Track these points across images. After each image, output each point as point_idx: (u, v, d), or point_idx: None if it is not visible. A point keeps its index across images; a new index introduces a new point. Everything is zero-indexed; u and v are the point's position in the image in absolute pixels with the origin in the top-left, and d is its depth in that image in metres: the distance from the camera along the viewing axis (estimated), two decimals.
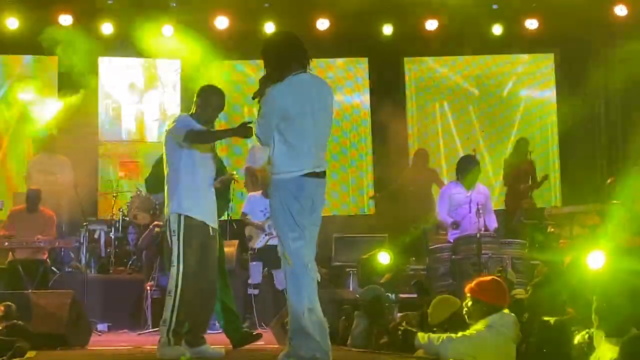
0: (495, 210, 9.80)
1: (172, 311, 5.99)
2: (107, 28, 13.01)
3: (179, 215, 6.04)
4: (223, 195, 7.18)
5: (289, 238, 5.38)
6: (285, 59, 5.49)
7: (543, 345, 5.16)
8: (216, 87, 6.48)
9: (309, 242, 5.46)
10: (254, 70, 13.67)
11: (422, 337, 5.77)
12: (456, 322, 5.95)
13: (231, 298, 7.27)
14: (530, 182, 12.32)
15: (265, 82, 5.50)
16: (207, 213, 6.15)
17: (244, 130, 5.95)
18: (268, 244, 10.54)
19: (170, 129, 6.18)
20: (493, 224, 9.30)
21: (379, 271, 9.54)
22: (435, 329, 6.09)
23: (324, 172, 5.54)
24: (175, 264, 6.00)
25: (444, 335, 5.68)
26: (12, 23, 12.66)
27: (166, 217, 6.19)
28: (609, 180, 11.43)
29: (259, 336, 7.26)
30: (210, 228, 6.16)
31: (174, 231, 6.03)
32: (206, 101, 6.25)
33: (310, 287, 5.37)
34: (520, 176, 12.19)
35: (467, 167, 9.43)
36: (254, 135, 5.62)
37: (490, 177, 13.64)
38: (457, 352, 5.49)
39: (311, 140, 5.46)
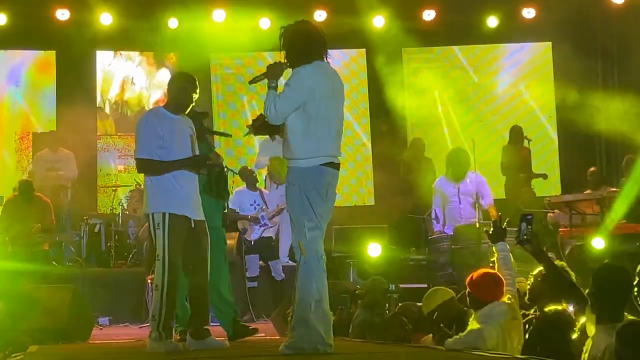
0: (495, 200, 9.83)
1: (161, 305, 5.94)
2: (105, 20, 12.96)
3: (163, 213, 5.99)
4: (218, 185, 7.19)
5: (305, 227, 5.32)
6: (307, 47, 5.47)
7: (544, 334, 5.13)
8: (185, 73, 6.54)
9: (324, 234, 5.44)
10: (252, 63, 13.69)
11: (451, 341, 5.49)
12: (445, 312, 5.93)
13: (229, 289, 7.27)
14: (529, 170, 12.31)
15: (274, 68, 5.46)
16: (188, 206, 6.09)
17: (200, 162, 6.12)
18: (263, 235, 10.55)
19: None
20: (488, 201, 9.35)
21: (372, 262, 9.56)
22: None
23: (339, 165, 5.51)
24: (160, 258, 5.97)
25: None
26: (12, 18, 12.65)
27: (147, 212, 6.13)
28: (592, 169, 11.41)
29: (255, 330, 7.26)
30: (192, 221, 6.11)
31: (158, 224, 5.98)
32: (176, 88, 6.25)
33: (322, 279, 5.33)
34: (518, 164, 12.16)
35: (454, 161, 9.49)
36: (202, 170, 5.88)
37: (488, 166, 13.63)
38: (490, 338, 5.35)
39: (333, 127, 5.43)
